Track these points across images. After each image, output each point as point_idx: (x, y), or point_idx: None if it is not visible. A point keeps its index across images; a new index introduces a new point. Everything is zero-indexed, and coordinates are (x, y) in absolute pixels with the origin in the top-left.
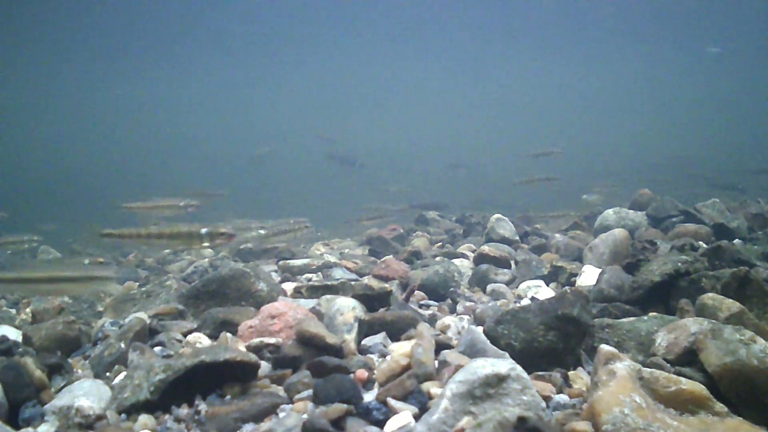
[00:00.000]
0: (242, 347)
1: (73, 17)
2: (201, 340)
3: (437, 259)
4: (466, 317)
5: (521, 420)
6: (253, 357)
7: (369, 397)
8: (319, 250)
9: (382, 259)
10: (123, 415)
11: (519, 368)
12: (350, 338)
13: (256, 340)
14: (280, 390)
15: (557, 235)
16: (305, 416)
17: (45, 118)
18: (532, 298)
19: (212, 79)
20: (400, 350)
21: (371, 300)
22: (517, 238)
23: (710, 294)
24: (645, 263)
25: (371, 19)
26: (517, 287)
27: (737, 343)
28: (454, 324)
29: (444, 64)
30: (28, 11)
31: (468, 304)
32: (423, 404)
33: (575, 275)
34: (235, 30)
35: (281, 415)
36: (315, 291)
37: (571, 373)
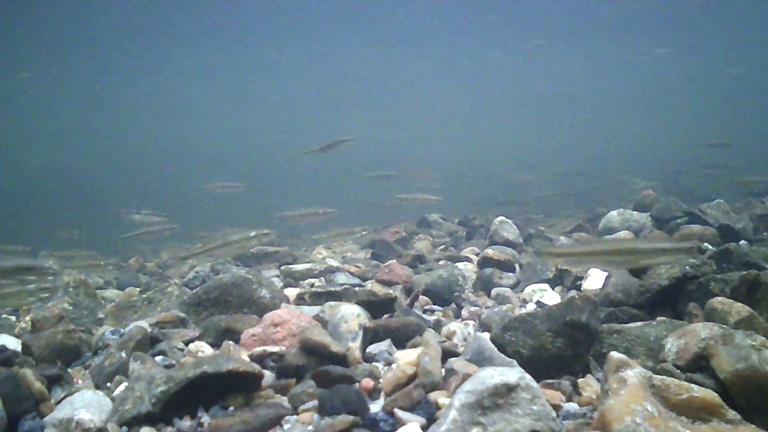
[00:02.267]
0: (245, 356)
1: (73, 18)
2: (203, 348)
3: (441, 262)
4: (471, 323)
5: None
6: (256, 367)
7: (375, 407)
8: (321, 254)
9: (385, 264)
10: (124, 428)
11: (528, 377)
12: (355, 346)
13: (259, 349)
14: (284, 401)
15: (561, 238)
16: (310, 428)
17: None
18: (538, 303)
19: (210, 81)
20: (406, 359)
21: (375, 306)
22: (521, 240)
23: (719, 298)
24: (652, 266)
25: (367, 20)
26: (522, 291)
27: (749, 348)
28: (460, 330)
29: (433, 68)
30: (28, 11)
31: (473, 308)
32: (431, 415)
33: (581, 279)
34: (235, 30)
35: (286, 426)
36: (318, 297)
37: (580, 380)
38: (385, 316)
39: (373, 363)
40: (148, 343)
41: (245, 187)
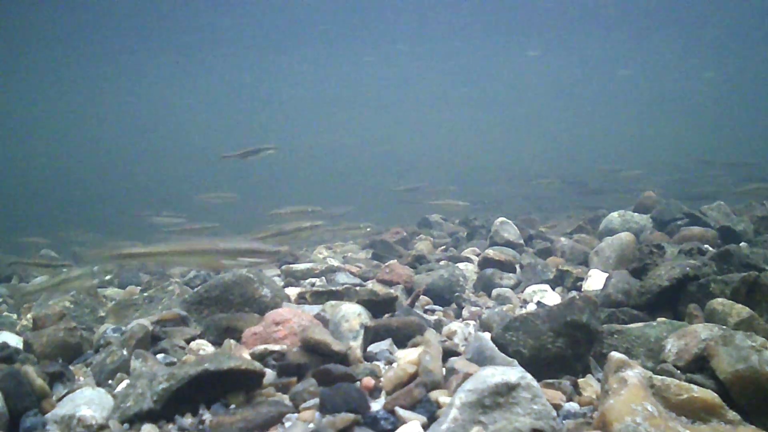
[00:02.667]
0: (246, 354)
1: (74, 16)
2: (204, 347)
3: (442, 263)
4: (472, 323)
5: (534, 431)
6: (258, 365)
7: (376, 406)
8: (322, 253)
9: (386, 264)
10: (126, 425)
11: (529, 377)
12: (356, 345)
13: (260, 347)
14: (285, 398)
15: (562, 239)
16: (312, 426)
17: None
18: (538, 303)
19: (209, 80)
20: (407, 358)
21: (376, 306)
22: (522, 241)
23: (719, 299)
24: (652, 267)
25: (365, 21)
26: (522, 292)
27: (749, 349)
28: (461, 330)
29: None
30: (27, 10)
31: (473, 309)
32: (431, 413)
33: (581, 279)
34: (234, 29)
35: (287, 424)
36: (319, 297)
37: (580, 380)
38: (386, 315)
39: (374, 362)
40: (150, 341)
41: (236, 197)
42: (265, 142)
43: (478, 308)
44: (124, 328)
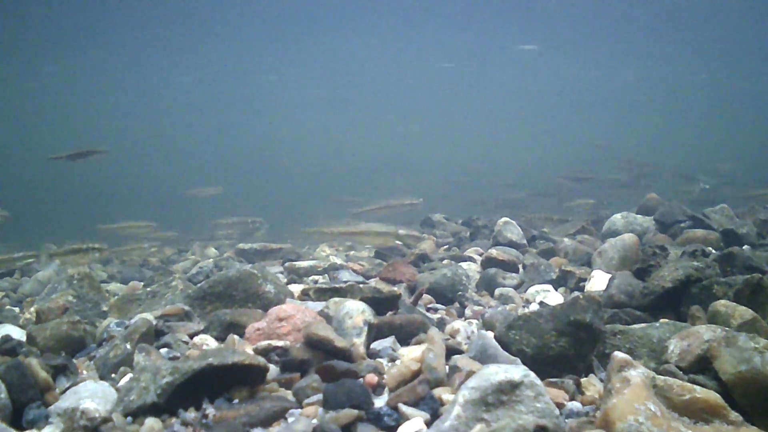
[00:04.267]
0: (249, 350)
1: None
2: (207, 342)
3: (444, 262)
4: (474, 321)
5: (539, 428)
6: (261, 360)
7: (379, 402)
8: (325, 251)
9: (389, 262)
10: (129, 418)
11: (532, 375)
12: (359, 342)
13: (263, 343)
14: (288, 394)
15: (565, 240)
16: (315, 421)
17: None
18: (541, 303)
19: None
20: (410, 355)
21: (380, 303)
22: (525, 241)
23: (722, 301)
24: (656, 269)
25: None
26: (525, 291)
27: (752, 351)
28: (464, 328)
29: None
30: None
31: (476, 308)
32: (435, 410)
33: (584, 280)
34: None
35: (290, 419)
36: (323, 293)
37: (583, 379)
38: (389, 313)
39: (377, 359)
40: (153, 336)
41: (222, 191)
42: (98, 145)
43: (481, 307)
44: (127, 323)
